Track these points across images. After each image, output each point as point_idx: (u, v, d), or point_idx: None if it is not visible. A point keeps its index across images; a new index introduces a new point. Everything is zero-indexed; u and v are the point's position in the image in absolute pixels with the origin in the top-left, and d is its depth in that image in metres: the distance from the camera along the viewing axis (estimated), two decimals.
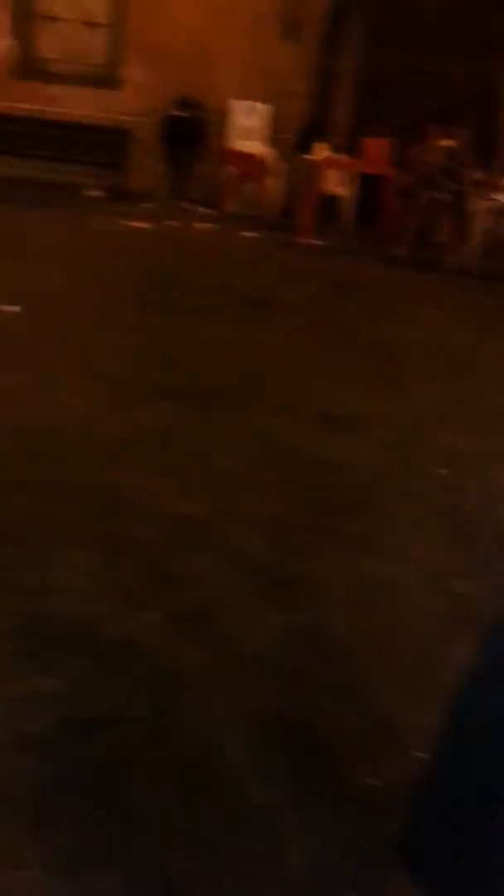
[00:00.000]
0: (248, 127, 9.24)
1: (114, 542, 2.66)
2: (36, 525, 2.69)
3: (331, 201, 8.94)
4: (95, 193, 9.15)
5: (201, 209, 8.98)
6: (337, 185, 8.98)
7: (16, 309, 4.72)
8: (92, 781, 1.74)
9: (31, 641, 2.14)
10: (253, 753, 1.86)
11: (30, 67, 9.63)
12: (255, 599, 2.42)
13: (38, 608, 2.27)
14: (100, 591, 2.39)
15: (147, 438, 3.41)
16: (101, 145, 9.29)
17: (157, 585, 2.46)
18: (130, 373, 4.11)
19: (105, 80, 9.56)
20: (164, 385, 3.98)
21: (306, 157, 8.66)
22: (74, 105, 9.33)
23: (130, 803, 1.71)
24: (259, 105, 9.24)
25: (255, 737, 1.92)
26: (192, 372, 4.28)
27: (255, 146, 9.10)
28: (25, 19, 9.48)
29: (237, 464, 3.30)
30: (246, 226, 8.42)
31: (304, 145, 8.82)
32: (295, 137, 9.10)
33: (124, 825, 1.66)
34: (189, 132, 9.31)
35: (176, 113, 9.29)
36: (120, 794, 1.73)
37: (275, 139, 9.22)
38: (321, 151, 8.63)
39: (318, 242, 8.20)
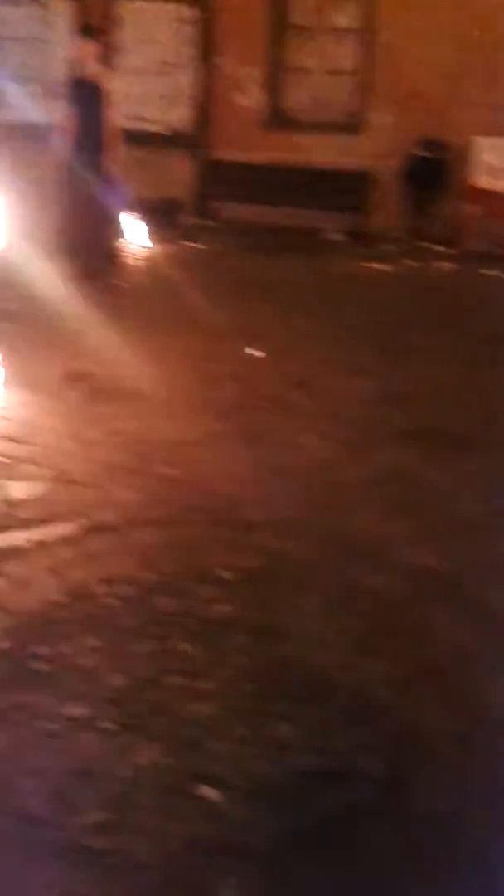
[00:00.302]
0: (492, 164, 9.05)
1: (349, 587, 2.63)
2: (271, 566, 2.72)
3: None
4: (336, 237, 9.31)
5: (442, 248, 8.86)
6: None
7: (261, 354, 4.87)
8: (323, 836, 1.71)
9: (264, 684, 2.15)
10: (495, 827, 1.75)
11: (278, 118, 10.02)
12: (497, 660, 2.30)
13: (272, 650, 2.29)
14: (333, 637, 2.38)
15: (386, 483, 3.37)
16: (342, 189, 9.43)
17: (393, 636, 2.40)
18: (370, 415, 4.10)
19: (349, 125, 9.74)
20: (405, 428, 3.93)
21: None
22: (318, 152, 9.57)
23: (361, 862, 1.66)
24: None
25: (498, 809, 1.81)
26: (433, 415, 4.19)
27: (499, 183, 8.88)
28: (276, 72, 9.90)
29: (480, 512, 3.18)
30: (488, 264, 8.20)
31: None
32: None
33: (354, 884, 1.61)
34: (431, 172, 9.25)
35: (418, 153, 9.27)
36: (350, 852, 1.68)
37: None
38: None
39: None
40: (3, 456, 3.37)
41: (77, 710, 1.99)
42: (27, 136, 10.47)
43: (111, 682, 2.10)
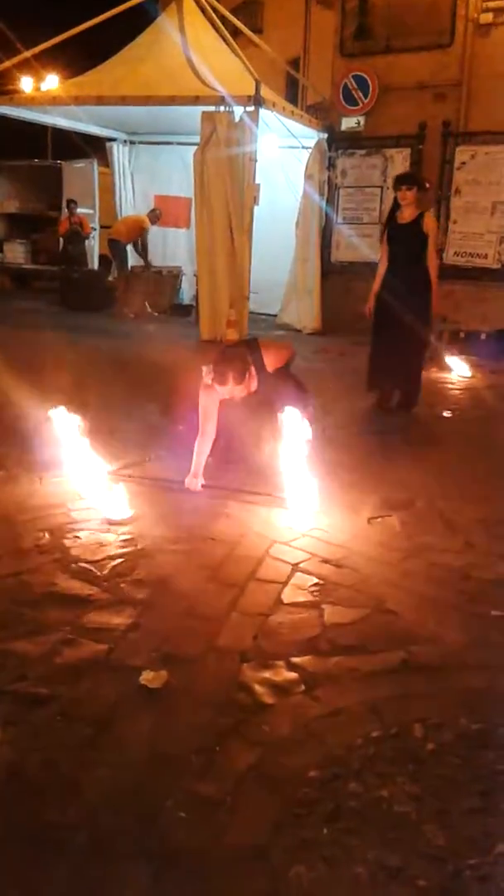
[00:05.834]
0: None
1: None
2: None
3: None
4: None
5: None
6: None
7: None
8: None
9: None
10: None
11: None
12: None
13: None
14: None
15: None
16: None
17: None
18: None
19: None
20: None
21: None
22: None
23: None
24: None
25: None
26: None
27: None
28: None
29: None
30: None
31: None
32: None
33: None
34: None
35: None
36: None
37: None
38: None
39: None
40: (322, 579, 3.38)
41: (390, 860, 1.87)
42: (358, 271, 11.14)
43: (429, 835, 1.95)
